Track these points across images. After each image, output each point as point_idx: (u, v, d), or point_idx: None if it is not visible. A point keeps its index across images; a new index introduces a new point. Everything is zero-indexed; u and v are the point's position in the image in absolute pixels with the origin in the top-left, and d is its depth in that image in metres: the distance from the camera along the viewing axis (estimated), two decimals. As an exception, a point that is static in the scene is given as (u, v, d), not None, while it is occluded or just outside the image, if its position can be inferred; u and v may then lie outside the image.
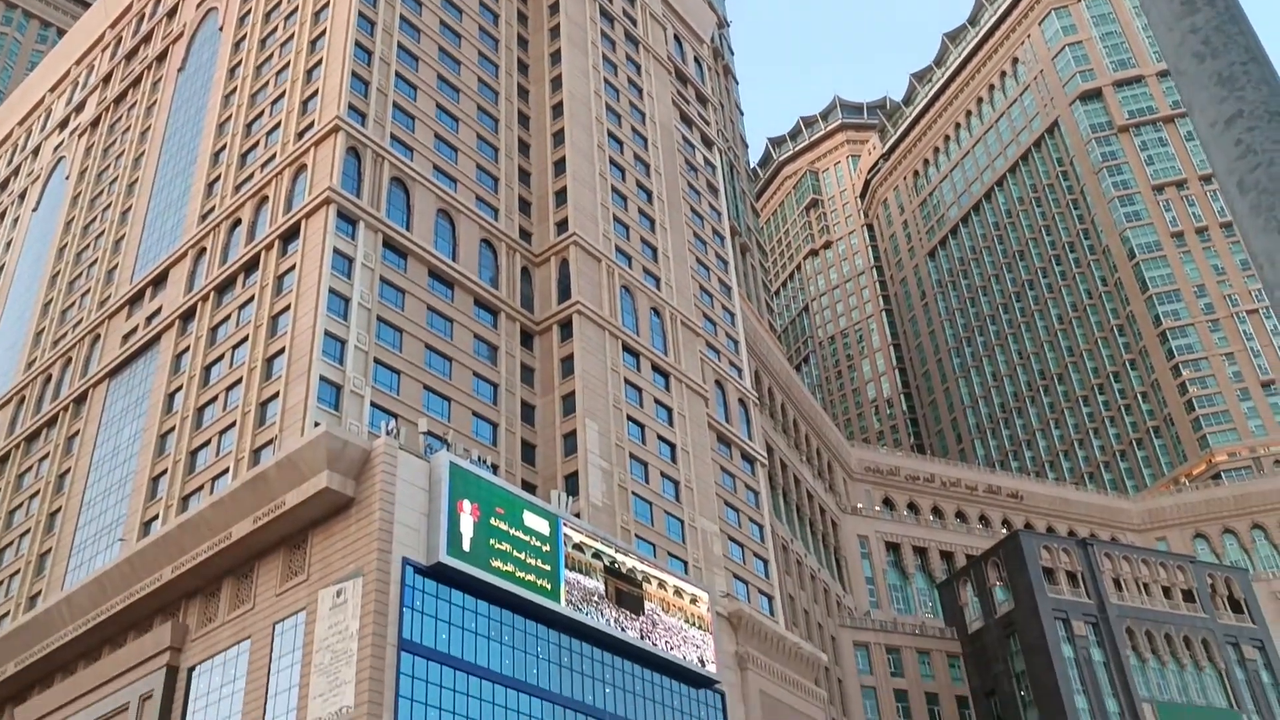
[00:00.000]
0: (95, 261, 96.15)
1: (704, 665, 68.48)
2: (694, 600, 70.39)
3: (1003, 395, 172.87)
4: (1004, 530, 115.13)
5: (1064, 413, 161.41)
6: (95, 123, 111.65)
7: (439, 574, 56.40)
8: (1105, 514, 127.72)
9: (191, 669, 62.07)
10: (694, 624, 69.41)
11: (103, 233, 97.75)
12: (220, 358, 73.74)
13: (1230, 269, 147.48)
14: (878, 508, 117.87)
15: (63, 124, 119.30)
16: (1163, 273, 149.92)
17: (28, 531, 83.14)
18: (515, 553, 59.75)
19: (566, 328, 79.91)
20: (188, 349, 77.25)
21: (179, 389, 75.81)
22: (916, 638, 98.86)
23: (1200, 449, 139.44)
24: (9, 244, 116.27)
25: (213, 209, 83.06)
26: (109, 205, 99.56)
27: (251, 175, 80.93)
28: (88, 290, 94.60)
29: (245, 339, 71.66)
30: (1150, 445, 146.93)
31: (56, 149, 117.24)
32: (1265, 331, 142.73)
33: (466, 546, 57.40)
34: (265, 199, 77.52)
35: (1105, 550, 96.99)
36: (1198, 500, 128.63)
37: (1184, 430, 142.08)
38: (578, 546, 63.82)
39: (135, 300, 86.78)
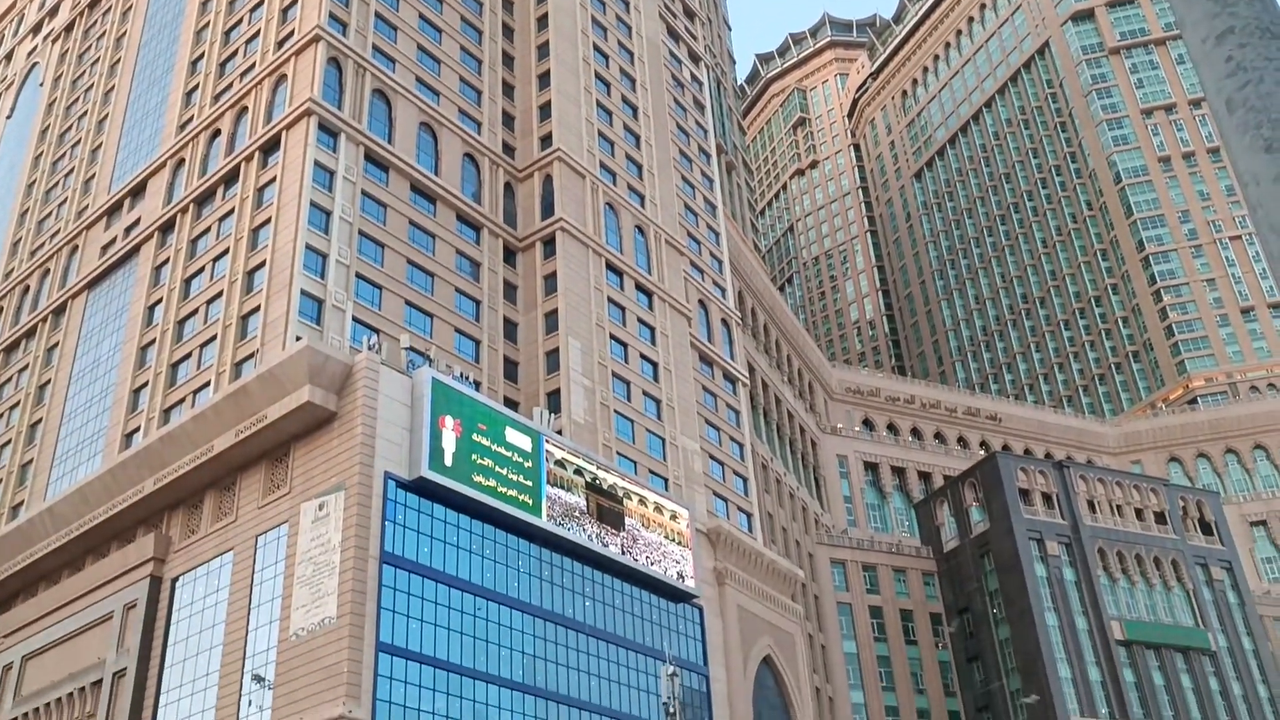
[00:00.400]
0: (72, 171, 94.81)
1: (683, 580, 69.46)
2: (674, 517, 71.15)
3: (985, 318, 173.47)
4: (982, 452, 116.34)
5: (1045, 336, 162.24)
6: (69, 28, 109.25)
7: (421, 488, 56.77)
8: (1082, 437, 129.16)
9: (175, 580, 62.61)
10: (674, 540, 70.25)
11: (79, 141, 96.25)
12: (200, 270, 73.20)
13: (1215, 195, 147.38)
14: (857, 428, 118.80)
15: (36, 29, 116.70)
16: (1148, 198, 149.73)
17: (8, 443, 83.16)
18: (497, 468, 60.13)
19: (550, 245, 79.49)
20: (167, 261, 76.62)
21: (159, 301, 75.34)
22: (892, 556, 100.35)
23: (1178, 374, 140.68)
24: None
25: (191, 119, 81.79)
26: (85, 114, 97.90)
27: (230, 85, 79.60)
28: (65, 200, 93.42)
29: (226, 252, 71.08)
30: (1129, 370, 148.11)
31: (30, 55, 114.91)
32: (1247, 258, 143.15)
33: (448, 461, 57.72)
34: (245, 110, 76.32)
35: (1080, 472, 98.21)
36: (1173, 424, 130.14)
37: (1162, 355, 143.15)
38: (559, 463, 64.25)
39: (113, 211, 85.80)
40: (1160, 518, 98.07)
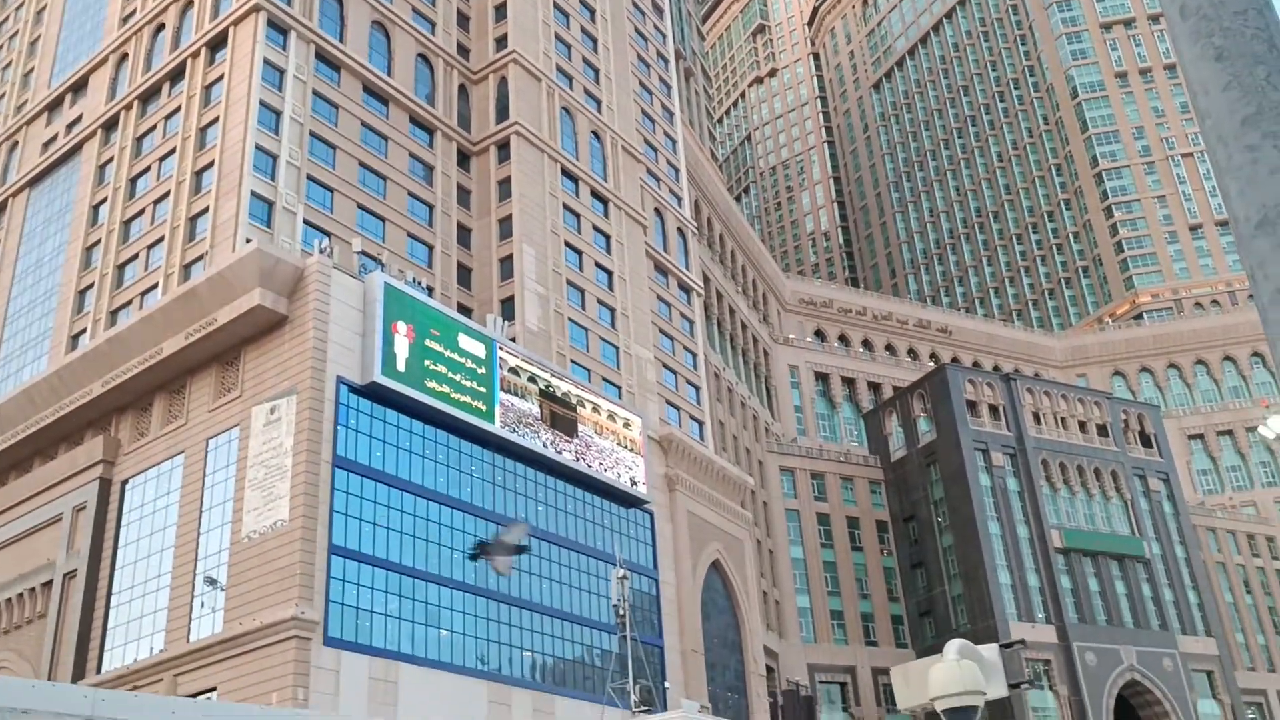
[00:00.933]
0: (10, 64, 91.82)
1: (635, 486, 70.29)
2: (626, 424, 71.69)
3: (938, 231, 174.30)
4: (931, 364, 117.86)
5: (997, 250, 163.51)
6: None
7: (373, 393, 56.68)
8: (1030, 350, 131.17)
9: (125, 482, 62.38)
10: (626, 447, 70.90)
11: (17, 33, 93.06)
12: (147, 170, 71.63)
13: (1170, 112, 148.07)
14: (809, 339, 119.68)
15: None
16: (1103, 113, 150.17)
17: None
18: (450, 374, 60.09)
19: (504, 149, 78.50)
20: (112, 160, 74.86)
21: (104, 201, 73.76)
22: (841, 464, 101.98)
23: (1125, 289, 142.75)
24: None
25: (134, 12, 79.22)
26: (22, 4, 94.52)
27: (175, -23, 77.05)
28: (3, 94, 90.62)
29: (173, 151, 69.52)
30: (1078, 285, 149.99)
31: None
32: (1198, 175, 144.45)
33: (401, 367, 57.58)
34: (190, 3, 74.05)
35: (1027, 385, 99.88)
36: (1119, 339, 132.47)
37: (1111, 271, 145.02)
38: (513, 370, 64.31)
39: (54, 106, 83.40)
40: (1102, 430, 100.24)
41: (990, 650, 11.23)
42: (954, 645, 10.96)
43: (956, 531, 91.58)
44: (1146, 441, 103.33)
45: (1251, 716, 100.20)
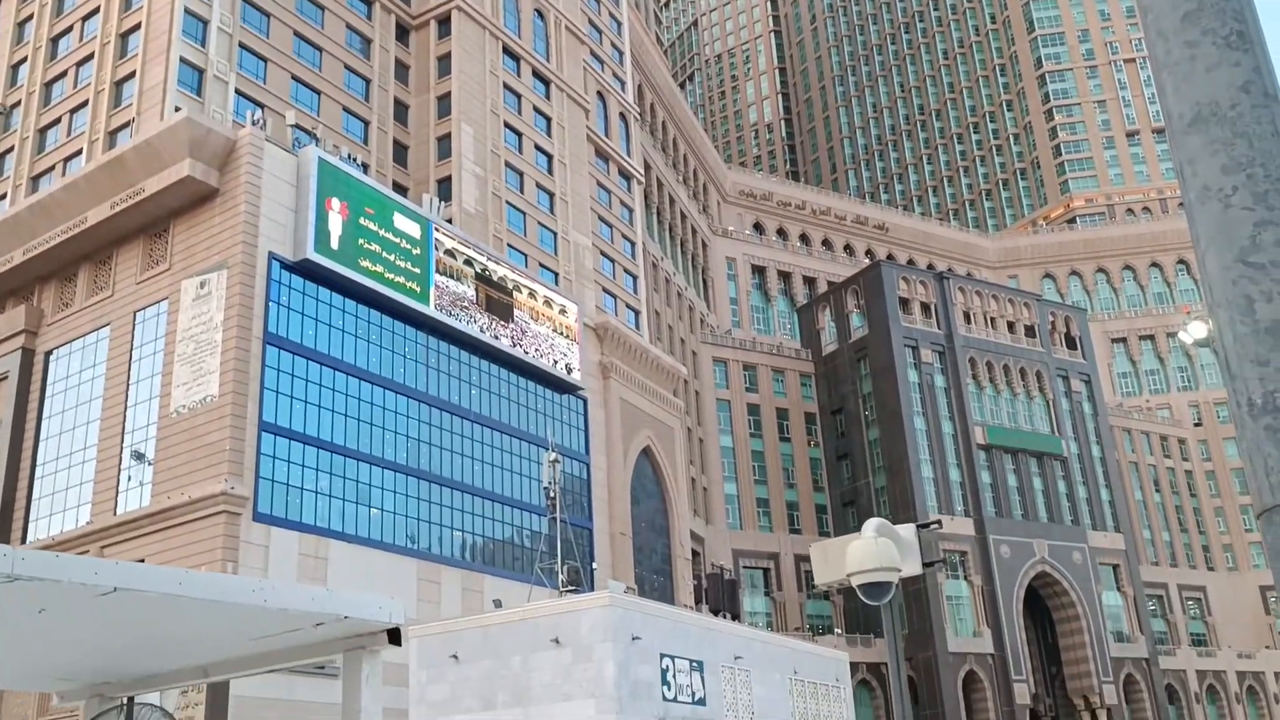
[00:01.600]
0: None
1: (570, 373, 70.55)
2: (563, 311, 71.61)
3: (880, 127, 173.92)
4: (867, 260, 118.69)
5: (937, 149, 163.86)
6: None
7: (305, 270, 55.85)
8: (964, 250, 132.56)
9: (49, 353, 61.23)
10: (561, 334, 70.93)
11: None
12: (69, 29, 68.73)
13: (1116, 15, 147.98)
14: (748, 231, 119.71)
15: None
16: (1050, 14, 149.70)
17: None
18: (384, 254, 59.34)
19: (445, 24, 76.39)
20: (31, 17, 71.66)
21: (23, 60, 70.82)
22: (773, 357, 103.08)
23: (1061, 193, 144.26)
24: None
25: None
26: None
27: None
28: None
29: (96, 10, 66.70)
30: (1015, 186, 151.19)
31: None
32: (1139, 81, 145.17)
33: (334, 245, 56.72)
34: None
35: (959, 284, 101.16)
36: (1050, 242, 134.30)
37: (1048, 174, 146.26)
38: (449, 252, 63.66)
39: (-30, -42, 79.28)
40: (1030, 331, 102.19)
41: (907, 530, 11.59)
42: (872, 524, 11.30)
43: (883, 425, 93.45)
44: (1071, 343, 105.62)
45: (1152, 607, 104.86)
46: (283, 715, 47.64)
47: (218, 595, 4.83)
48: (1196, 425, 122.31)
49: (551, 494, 51.84)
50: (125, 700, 6.55)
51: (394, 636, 5.58)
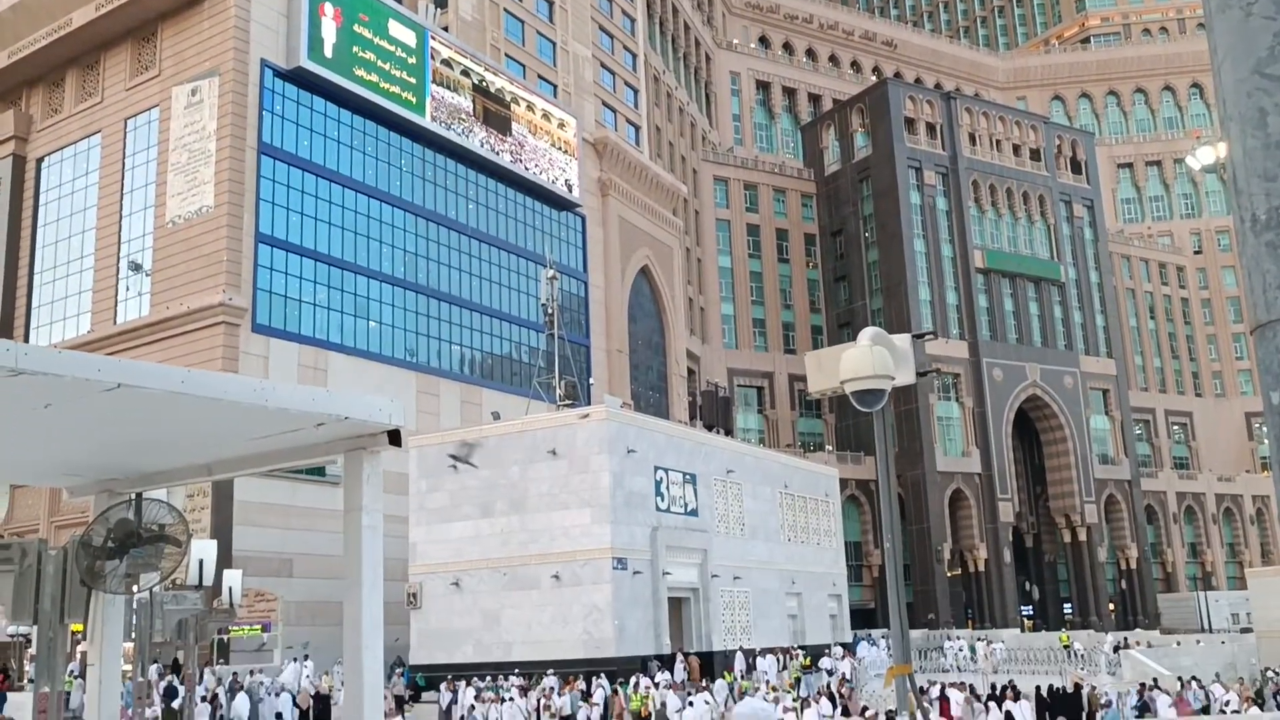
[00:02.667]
0: None
1: (570, 190, 69.90)
2: (561, 125, 70.43)
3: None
4: (874, 78, 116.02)
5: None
6: None
7: (299, 79, 54.60)
8: (973, 69, 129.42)
9: (40, 160, 60.48)
10: (560, 148, 69.94)
11: None
12: None
13: None
14: (753, 45, 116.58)
15: None
16: None
17: None
18: (379, 63, 57.92)
19: None
20: None
21: None
22: (774, 176, 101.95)
23: (1076, 10, 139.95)
24: None
25: None
26: None
27: None
28: None
29: None
30: (1029, 2, 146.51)
31: None
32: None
33: (328, 52, 55.30)
34: None
35: (966, 105, 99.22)
36: (1062, 62, 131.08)
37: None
38: (445, 62, 62.14)
39: None
40: (1035, 154, 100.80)
41: (902, 339, 11.67)
42: (868, 332, 11.36)
43: (882, 247, 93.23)
44: (1076, 168, 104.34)
45: (1138, 431, 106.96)
46: (285, 519, 49.12)
47: (219, 394, 4.90)
48: (1196, 253, 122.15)
49: (549, 310, 52.10)
50: (133, 496, 6.72)
51: (394, 438, 5.68)
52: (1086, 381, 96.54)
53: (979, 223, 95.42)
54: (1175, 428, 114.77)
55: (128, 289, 54.60)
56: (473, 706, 32.69)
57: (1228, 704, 33.65)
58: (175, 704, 29.63)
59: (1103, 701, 32.97)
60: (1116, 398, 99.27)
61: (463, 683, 36.37)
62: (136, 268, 54.00)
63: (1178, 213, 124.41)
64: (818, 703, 30.19)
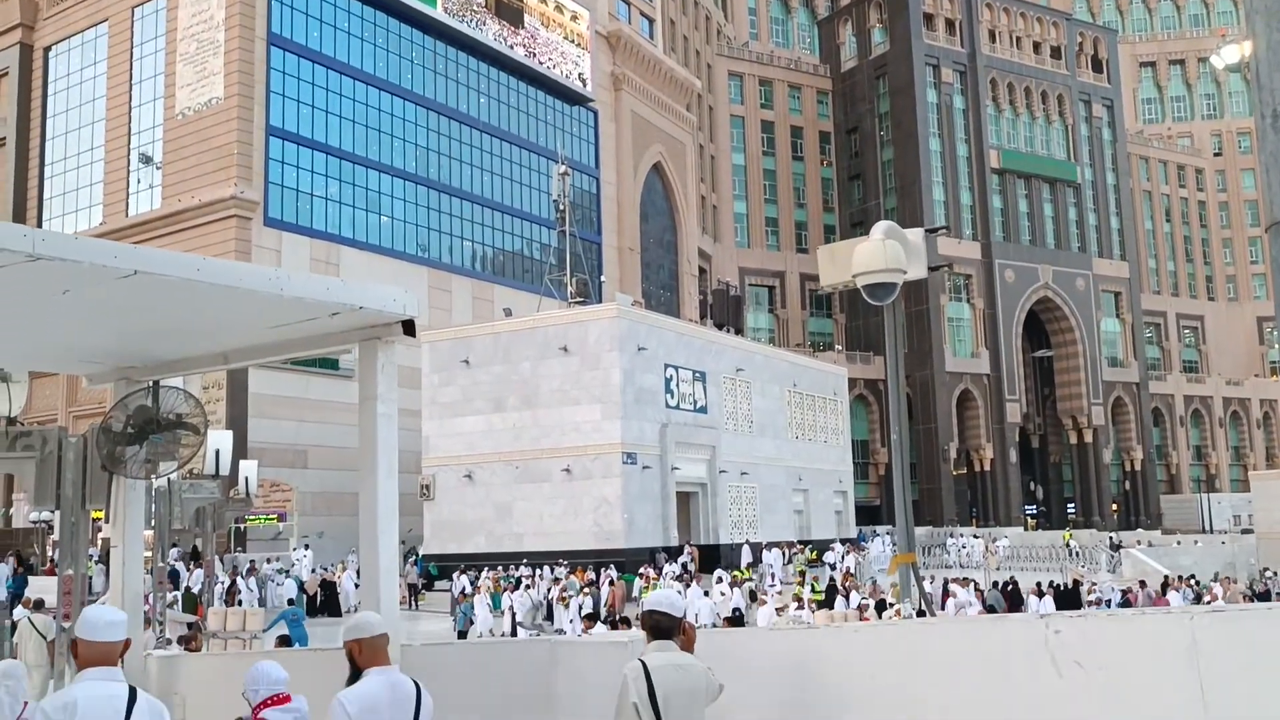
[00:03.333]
0: None
1: (583, 85, 68.94)
2: (574, 17, 69.16)
3: None
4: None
5: None
6: None
7: (308, -33, 53.57)
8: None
9: (47, 49, 59.75)
10: (573, 41, 68.79)
11: None
12: None
13: None
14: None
15: None
16: None
17: None
18: (389, -49, 56.70)
19: None
20: None
21: None
22: (790, 72, 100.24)
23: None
24: None
25: None
26: None
27: None
28: None
29: None
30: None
31: None
32: None
33: (337, -61, 54.15)
34: None
35: (987, 0, 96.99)
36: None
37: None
38: (456, -50, 60.79)
39: None
40: (1056, 52, 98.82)
41: (915, 234, 11.64)
42: (881, 226, 11.33)
43: (897, 146, 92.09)
44: (1097, 66, 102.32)
45: (1148, 334, 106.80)
46: (299, 411, 49.63)
47: (235, 281, 4.95)
48: (1216, 155, 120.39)
49: (561, 207, 51.82)
50: (151, 383, 6.82)
51: (408, 328, 5.74)
52: (1098, 284, 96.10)
53: (996, 122, 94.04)
54: (1186, 331, 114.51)
55: (139, 181, 54.40)
56: (467, 591, 33.30)
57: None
58: (195, 589, 30.37)
59: (1098, 598, 33.57)
60: (1128, 301, 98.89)
61: (477, 573, 37.16)
62: (147, 160, 53.73)
63: (1199, 113, 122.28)
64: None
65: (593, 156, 71.14)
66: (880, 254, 10.97)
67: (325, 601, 35.24)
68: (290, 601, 32.63)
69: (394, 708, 4.61)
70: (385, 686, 4.75)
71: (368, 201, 55.90)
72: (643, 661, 4.61)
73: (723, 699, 4.69)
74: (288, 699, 5.45)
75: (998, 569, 46.63)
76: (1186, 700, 3.80)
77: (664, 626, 4.70)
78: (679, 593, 29.12)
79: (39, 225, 58.03)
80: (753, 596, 30.45)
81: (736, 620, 25.30)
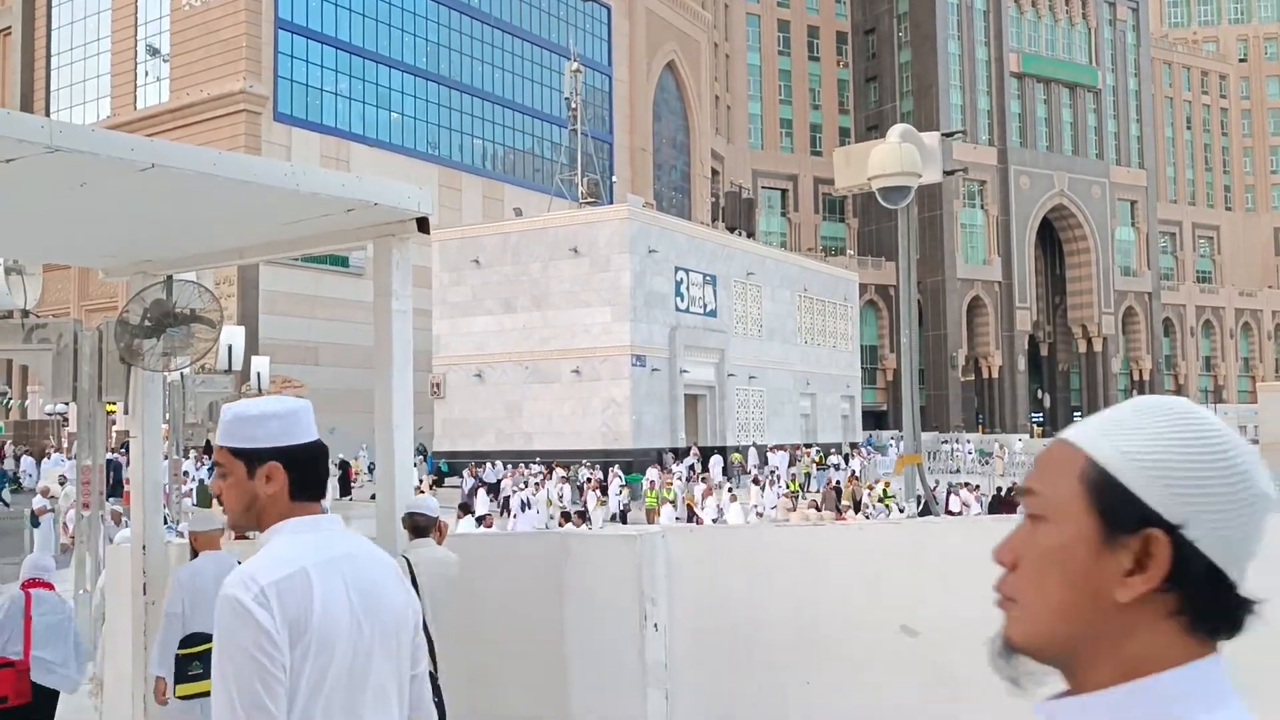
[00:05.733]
0: None
1: (593, -22, 67.66)
2: (588, -91, 67.57)
3: None
4: None
5: None
6: None
7: None
8: None
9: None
10: (586, -66, 67.33)
11: None
12: None
13: None
14: None
15: None
16: None
17: None
18: None
19: None
20: None
21: None
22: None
23: None
24: None
25: None
26: None
27: None
28: None
29: None
30: None
31: None
32: None
33: None
34: None
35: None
36: None
37: None
38: None
39: None
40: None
41: (931, 137, 11.57)
42: (897, 129, 11.26)
43: (915, 47, 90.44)
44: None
45: (1163, 244, 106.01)
46: (310, 309, 49.81)
47: (250, 176, 4.96)
48: (1242, 61, 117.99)
49: (573, 105, 51.19)
50: (166, 278, 6.87)
51: (423, 225, 5.76)
52: (1115, 192, 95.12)
53: (1017, 24, 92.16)
54: (1201, 241, 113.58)
55: (146, 74, 53.82)
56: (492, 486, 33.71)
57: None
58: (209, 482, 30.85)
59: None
60: (1144, 209, 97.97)
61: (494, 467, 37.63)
62: (154, 52, 53.07)
63: (1226, 17, 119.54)
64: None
65: (606, 54, 70.07)
66: (895, 157, 10.90)
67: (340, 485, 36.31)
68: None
69: (217, 580, 5.17)
70: (212, 561, 6.46)
71: (378, 97, 55.30)
72: (406, 556, 5.23)
73: (732, 591, 4.85)
74: (50, 586, 7.47)
75: (1002, 475, 47.06)
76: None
77: (421, 525, 5.52)
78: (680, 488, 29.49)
79: (47, 117, 57.58)
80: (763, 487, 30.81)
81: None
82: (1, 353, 8.65)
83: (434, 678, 4.93)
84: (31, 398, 53.35)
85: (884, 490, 31.42)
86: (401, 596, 2.58)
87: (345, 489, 36.04)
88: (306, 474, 2.57)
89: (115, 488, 21.83)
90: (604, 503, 31.30)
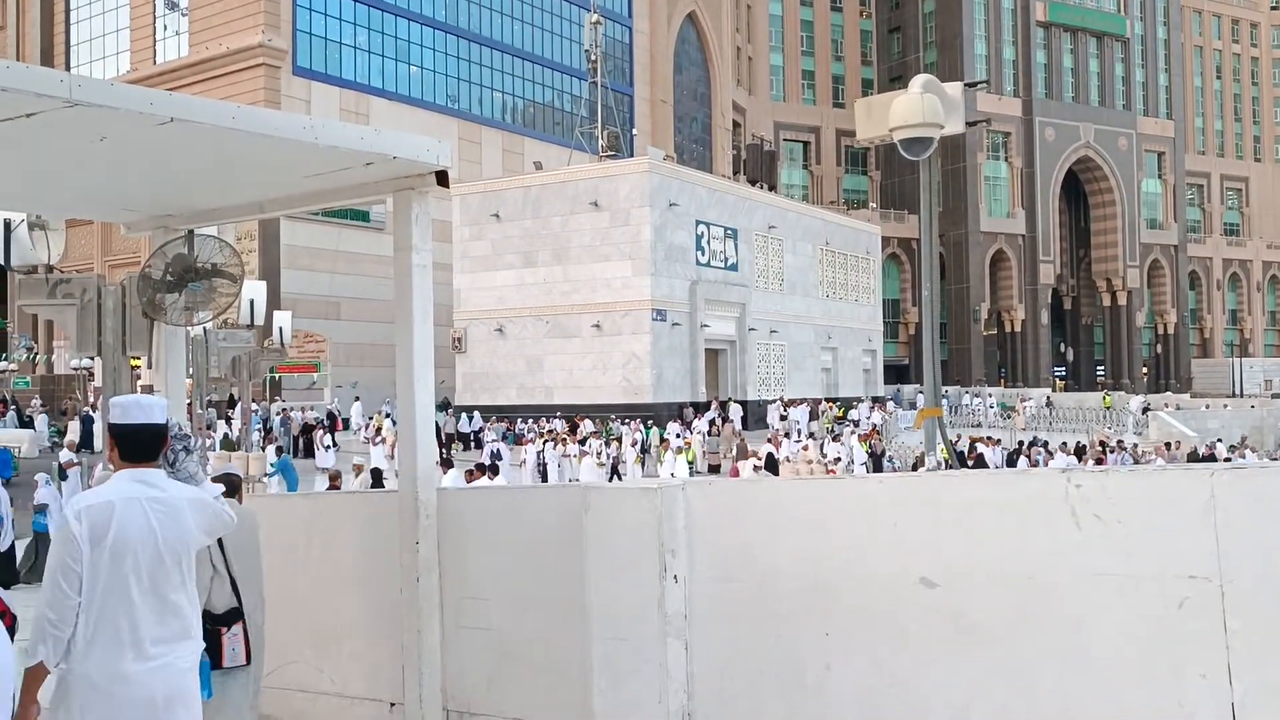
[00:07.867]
0: None
1: (613, -72, 66.83)
2: None
3: None
4: None
5: None
6: None
7: None
8: None
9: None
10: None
11: None
12: None
13: None
14: None
15: None
16: None
17: None
18: None
19: None
20: None
21: None
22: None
23: None
24: None
25: None
26: None
27: None
28: None
29: None
30: None
31: None
32: None
33: None
34: None
35: None
36: None
37: None
38: None
39: None
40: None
41: (954, 88, 11.42)
42: (919, 79, 11.12)
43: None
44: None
45: (1190, 196, 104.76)
46: (331, 263, 49.92)
47: (270, 130, 4.96)
48: (1274, 8, 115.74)
49: (593, 57, 50.79)
50: (188, 233, 6.90)
51: (442, 178, 5.76)
52: (1142, 144, 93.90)
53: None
54: (1229, 193, 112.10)
55: (165, 28, 53.68)
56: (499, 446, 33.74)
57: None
58: (233, 436, 31.08)
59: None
60: (1171, 161, 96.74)
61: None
62: (173, 5, 52.89)
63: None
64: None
65: (626, 5, 69.38)
66: (918, 107, 10.77)
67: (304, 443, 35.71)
68: (279, 451, 32.82)
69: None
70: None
71: (397, 51, 55.03)
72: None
73: (751, 543, 4.90)
74: None
75: (1023, 429, 46.97)
76: (1202, 554, 3.90)
77: (235, 484, 5.73)
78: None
79: (67, 72, 57.61)
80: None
81: (771, 467, 25.86)
82: (27, 307, 8.72)
83: (241, 615, 5.36)
84: (57, 352, 53.82)
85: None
86: (192, 527, 3.97)
87: (309, 451, 32.78)
88: (126, 445, 4.03)
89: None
90: (641, 460, 31.26)
